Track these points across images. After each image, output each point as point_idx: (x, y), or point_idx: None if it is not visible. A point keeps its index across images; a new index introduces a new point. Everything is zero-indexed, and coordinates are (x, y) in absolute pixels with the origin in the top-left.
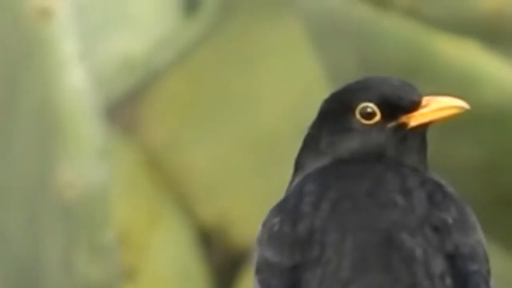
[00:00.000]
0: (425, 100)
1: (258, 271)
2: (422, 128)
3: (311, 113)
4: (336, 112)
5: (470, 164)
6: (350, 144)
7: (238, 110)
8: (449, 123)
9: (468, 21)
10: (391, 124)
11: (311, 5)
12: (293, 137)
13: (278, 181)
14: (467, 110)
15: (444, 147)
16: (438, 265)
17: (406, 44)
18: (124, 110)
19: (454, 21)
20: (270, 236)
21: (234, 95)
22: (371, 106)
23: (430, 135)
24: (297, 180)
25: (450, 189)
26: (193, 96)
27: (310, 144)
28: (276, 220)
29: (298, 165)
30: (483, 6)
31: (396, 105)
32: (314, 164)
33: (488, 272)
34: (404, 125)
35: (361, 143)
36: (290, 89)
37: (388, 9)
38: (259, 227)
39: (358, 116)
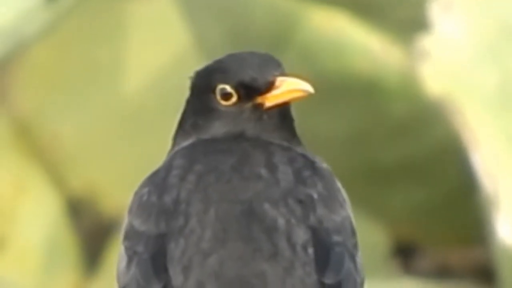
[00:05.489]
0: (278, 80)
1: (126, 238)
2: (278, 107)
3: (179, 85)
4: (200, 90)
5: (338, 136)
6: (212, 125)
7: (105, 80)
8: (318, 94)
9: None
10: (248, 105)
11: None
12: (160, 108)
13: (145, 151)
14: (311, 94)
15: (311, 118)
16: (301, 235)
17: (276, 14)
18: None
19: None
20: (139, 205)
21: (102, 66)
22: (227, 88)
23: (299, 107)
24: (169, 154)
25: (323, 165)
26: (61, 66)
27: (181, 121)
28: (145, 190)
29: (173, 141)
30: None
31: (251, 87)
32: (182, 142)
33: (355, 246)
34: (260, 105)
35: (223, 124)
36: (158, 60)
37: None
38: (131, 196)
39: (218, 96)
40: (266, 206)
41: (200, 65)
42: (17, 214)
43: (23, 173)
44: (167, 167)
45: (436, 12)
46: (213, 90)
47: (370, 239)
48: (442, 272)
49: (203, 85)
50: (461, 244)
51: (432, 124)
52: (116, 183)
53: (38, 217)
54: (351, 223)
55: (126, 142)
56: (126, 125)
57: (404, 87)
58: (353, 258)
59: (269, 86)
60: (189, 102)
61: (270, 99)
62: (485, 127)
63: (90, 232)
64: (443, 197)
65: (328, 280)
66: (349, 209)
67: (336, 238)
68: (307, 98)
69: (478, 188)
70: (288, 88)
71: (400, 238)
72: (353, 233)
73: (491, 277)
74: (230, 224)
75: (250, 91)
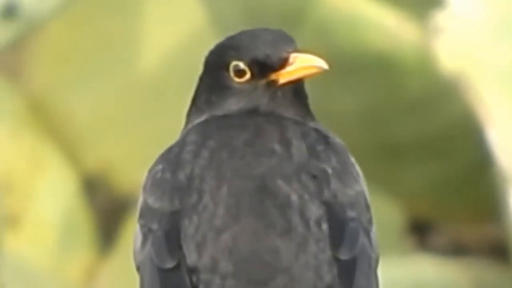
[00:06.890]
0: (292, 57)
1: (140, 216)
2: (292, 84)
3: (194, 62)
4: (213, 67)
5: (353, 112)
6: (225, 102)
7: (120, 57)
8: (333, 71)
9: None
10: (262, 82)
11: None
12: (175, 84)
13: (160, 127)
14: (326, 70)
15: (327, 95)
16: (314, 210)
17: None
18: (7, 56)
19: None
20: (153, 182)
21: (117, 42)
22: (241, 65)
23: (314, 83)
24: (183, 131)
25: (336, 140)
26: (76, 43)
27: (194, 98)
28: (159, 167)
29: (186, 118)
30: None
31: (264, 64)
32: (196, 119)
33: (369, 221)
34: (274, 82)
35: (236, 101)
36: (173, 36)
37: None
38: (146, 174)
39: (231, 73)
40: (279, 182)
41: (215, 42)
42: (33, 191)
43: (38, 150)
44: (181, 143)
45: None
46: (226, 67)
47: (385, 216)
48: (457, 249)
49: (216, 62)
50: (476, 221)
51: (446, 100)
52: (131, 160)
53: (53, 194)
54: (365, 198)
55: (141, 119)
56: (140, 102)
57: (419, 64)
58: (367, 233)
59: (283, 63)
60: (202, 79)
61: (284, 76)
62: (500, 103)
63: (105, 209)
64: (458, 174)
65: (343, 256)
66: (363, 184)
67: (351, 213)
68: (322, 75)
69: (493, 165)
70: (301, 64)
71: (415, 215)
72: (368, 208)
73: (506, 254)
74: (243, 200)
75: (263, 68)
